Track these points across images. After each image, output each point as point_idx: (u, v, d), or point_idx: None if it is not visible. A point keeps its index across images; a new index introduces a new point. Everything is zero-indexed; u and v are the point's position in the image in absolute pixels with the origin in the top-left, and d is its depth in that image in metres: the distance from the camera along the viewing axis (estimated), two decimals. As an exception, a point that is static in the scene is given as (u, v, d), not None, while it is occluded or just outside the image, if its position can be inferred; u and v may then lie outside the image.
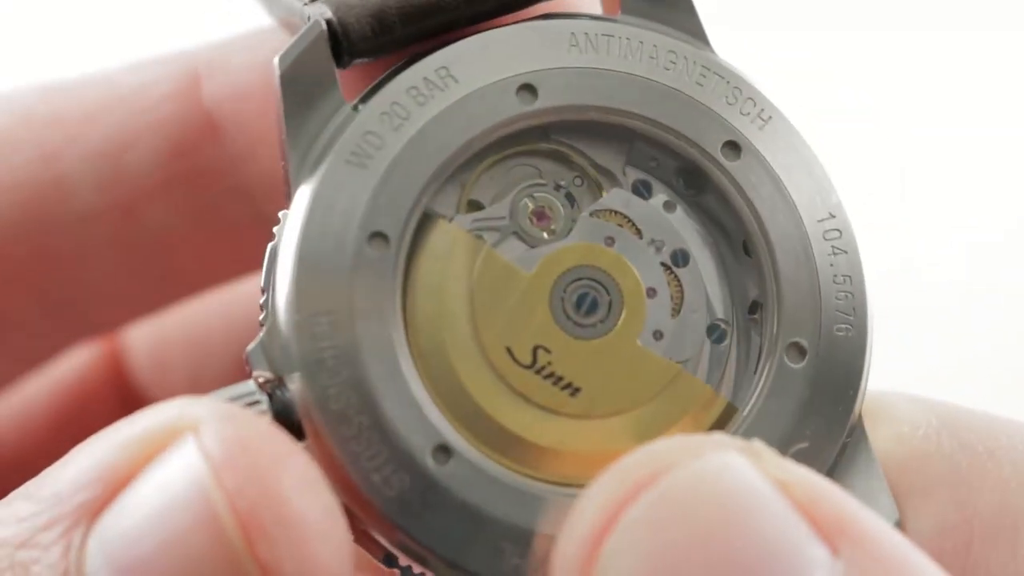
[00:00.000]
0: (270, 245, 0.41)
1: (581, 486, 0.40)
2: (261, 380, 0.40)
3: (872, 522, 0.36)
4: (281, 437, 0.37)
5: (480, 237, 0.42)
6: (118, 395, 0.61)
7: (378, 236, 0.40)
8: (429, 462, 0.39)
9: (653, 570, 0.34)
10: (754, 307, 0.43)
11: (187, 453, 0.36)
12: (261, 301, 0.41)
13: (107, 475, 0.36)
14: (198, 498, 0.35)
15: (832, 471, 0.41)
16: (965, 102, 1.04)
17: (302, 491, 0.36)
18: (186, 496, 0.35)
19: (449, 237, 0.41)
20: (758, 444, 0.36)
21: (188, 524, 0.35)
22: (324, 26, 0.41)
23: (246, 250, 0.51)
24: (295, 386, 0.39)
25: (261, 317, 0.40)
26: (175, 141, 0.53)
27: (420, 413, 0.39)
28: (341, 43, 0.41)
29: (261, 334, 0.40)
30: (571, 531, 0.36)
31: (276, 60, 0.41)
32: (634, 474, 0.36)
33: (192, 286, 0.57)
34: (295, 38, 0.41)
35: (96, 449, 0.37)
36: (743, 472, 0.35)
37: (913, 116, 1.04)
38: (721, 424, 0.41)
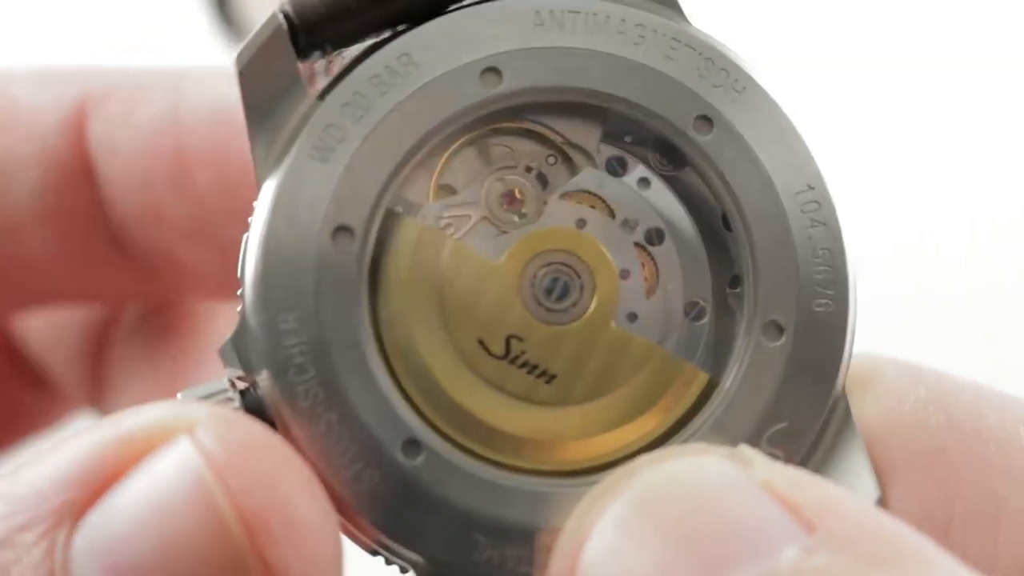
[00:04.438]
0: (244, 236, 0.41)
1: (560, 474, 0.40)
2: (233, 377, 0.40)
3: (852, 502, 0.35)
4: (279, 440, 0.37)
5: (448, 227, 0.41)
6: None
7: (343, 230, 0.40)
8: (399, 456, 0.39)
9: (628, 568, 0.34)
10: (735, 281, 0.42)
11: (183, 453, 0.36)
12: (238, 292, 0.41)
13: (91, 474, 0.36)
14: (198, 498, 0.35)
15: (814, 448, 0.40)
16: (956, 85, 1.02)
17: (304, 492, 0.36)
18: (184, 496, 0.36)
19: (416, 232, 0.41)
20: (745, 449, 0.36)
21: (187, 524, 0.35)
22: (281, 18, 0.40)
23: (112, 282, 0.52)
24: (264, 384, 0.39)
25: (239, 308, 0.40)
26: (53, 177, 0.53)
27: (389, 408, 0.39)
28: (298, 30, 0.40)
29: (232, 331, 0.40)
30: (557, 548, 0.36)
31: (235, 56, 0.40)
32: (610, 487, 0.36)
33: (64, 301, 0.58)
34: (253, 32, 0.41)
35: (78, 447, 0.37)
36: (717, 468, 0.35)
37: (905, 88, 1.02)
38: (703, 400, 0.41)
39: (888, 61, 1.04)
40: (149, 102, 0.53)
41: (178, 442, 0.36)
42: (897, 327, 0.89)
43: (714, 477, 0.35)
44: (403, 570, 0.40)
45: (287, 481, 0.36)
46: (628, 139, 0.42)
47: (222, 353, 0.40)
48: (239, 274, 0.40)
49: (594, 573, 0.35)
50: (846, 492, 0.36)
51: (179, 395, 0.40)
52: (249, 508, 0.35)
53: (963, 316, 0.94)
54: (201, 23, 0.83)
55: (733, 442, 0.39)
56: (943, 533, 0.39)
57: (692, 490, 0.35)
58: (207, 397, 0.40)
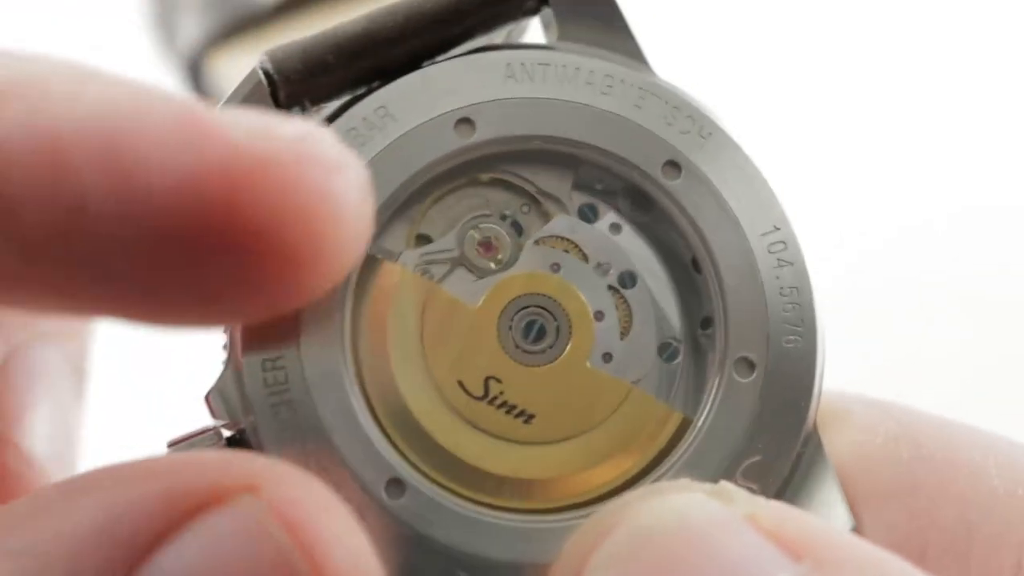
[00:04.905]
0: None
1: (540, 512, 0.41)
2: (218, 424, 0.41)
3: (835, 532, 0.36)
4: (332, 499, 0.36)
5: (426, 273, 0.42)
6: None
7: None
8: (383, 496, 0.40)
9: None
10: (707, 323, 0.43)
11: (247, 517, 0.35)
12: (223, 343, 0.41)
13: (136, 530, 0.35)
14: (276, 561, 0.35)
15: (787, 482, 0.41)
16: (909, 94, 1.04)
17: (368, 551, 0.36)
18: (261, 560, 0.35)
19: (395, 277, 0.42)
20: (727, 485, 0.37)
21: None
22: (261, 75, 0.42)
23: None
24: (251, 428, 0.40)
25: (223, 359, 0.41)
26: None
27: (372, 448, 0.40)
28: (277, 86, 0.42)
29: (218, 376, 0.41)
30: None
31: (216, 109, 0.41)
32: (600, 523, 0.36)
33: None
34: (234, 88, 0.42)
35: (111, 502, 0.35)
36: (704, 505, 0.36)
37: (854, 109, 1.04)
38: (678, 438, 0.42)
39: (880, 66, 1.06)
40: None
41: (241, 499, 0.35)
42: (890, 327, 0.90)
43: (701, 513, 0.36)
44: None
45: (359, 546, 0.36)
46: (599, 187, 0.44)
47: (208, 399, 0.41)
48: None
49: None
50: (827, 523, 0.37)
51: (166, 445, 0.41)
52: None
53: (954, 314, 0.95)
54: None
55: (710, 477, 0.40)
56: (918, 562, 0.40)
57: (681, 527, 0.36)
58: (196, 443, 0.41)
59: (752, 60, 1.02)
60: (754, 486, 0.41)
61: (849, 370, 0.47)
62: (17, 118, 0.35)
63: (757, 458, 0.41)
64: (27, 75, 0.36)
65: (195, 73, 0.82)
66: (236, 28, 0.80)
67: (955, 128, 1.03)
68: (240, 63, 0.83)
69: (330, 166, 0.36)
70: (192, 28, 0.81)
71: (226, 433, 0.41)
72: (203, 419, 0.41)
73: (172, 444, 0.41)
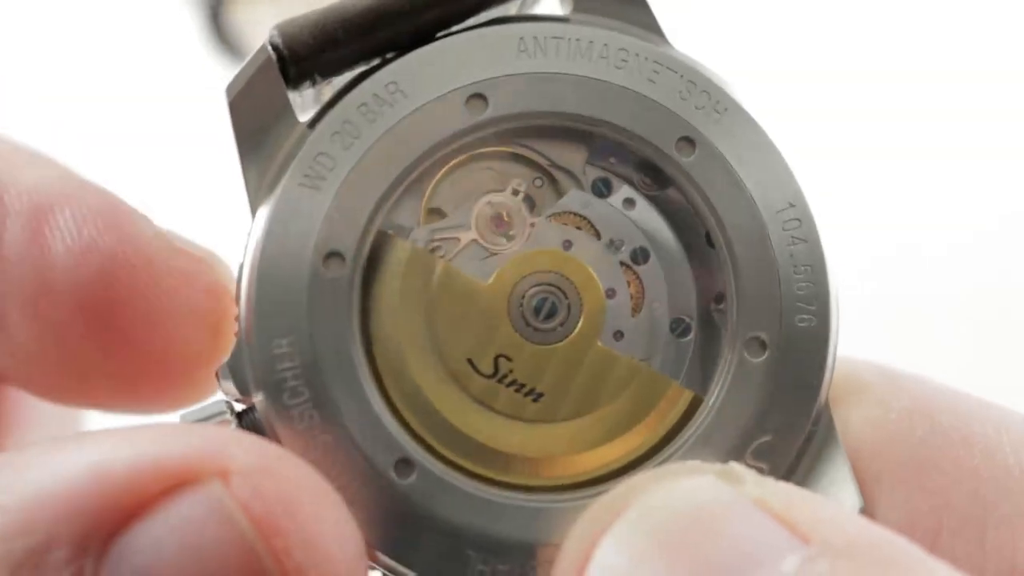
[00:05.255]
0: (239, 262, 0.42)
1: (549, 489, 0.41)
2: (230, 399, 0.41)
3: (844, 516, 0.36)
4: (315, 482, 0.37)
5: (438, 250, 0.42)
6: None
7: (334, 255, 0.40)
8: (392, 475, 0.40)
9: None
10: (720, 297, 0.43)
11: (218, 501, 0.36)
12: (236, 314, 0.41)
13: (113, 502, 0.36)
14: (239, 553, 0.36)
15: (798, 460, 0.41)
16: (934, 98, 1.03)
17: (342, 541, 0.37)
18: (224, 547, 0.36)
19: (406, 254, 0.42)
20: (736, 467, 0.37)
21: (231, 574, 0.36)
22: (270, 50, 0.41)
23: None
24: (260, 406, 0.40)
25: (235, 331, 0.41)
26: None
27: (382, 428, 0.40)
28: (287, 61, 0.41)
29: (230, 353, 0.41)
30: (558, 566, 0.37)
31: (225, 87, 0.41)
32: (610, 505, 0.37)
33: None
34: (243, 64, 0.41)
35: (95, 470, 0.36)
36: (715, 488, 0.36)
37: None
38: (688, 416, 0.42)
39: (880, 70, 1.05)
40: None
41: (211, 485, 0.36)
42: (890, 327, 0.90)
43: (711, 496, 0.36)
44: None
45: (328, 539, 0.36)
46: (613, 160, 0.43)
47: (219, 375, 0.41)
48: (235, 298, 0.41)
49: None
50: (836, 506, 0.37)
51: (179, 417, 0.41)
52: (291, 567, 0.36)
53: (955, 317, 0.95)
54: (196, 45, 0.84)
55: (719, 456, 0.40)
56: (932, 541, 0.40)
57: (692, 509, 0.36)
58: (207, 417, 0.41)
59: (771, 60, 1.01)
60: (764, 466, 0.41)
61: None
62: None
63: (767, 438, 0.41)
64: None
65: (215, 19, 0.81)
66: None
67: (970, 138, 1.02)
68: (259, 10, 0.82)
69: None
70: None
71: (237, 408, 0.41)
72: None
73: (184, 415, 0.41)
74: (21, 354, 0.45)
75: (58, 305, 0.44)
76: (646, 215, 0.43)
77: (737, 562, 0.35)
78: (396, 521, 0.40)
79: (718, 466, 0.37)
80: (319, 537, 0.36)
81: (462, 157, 0.43)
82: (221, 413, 0.41)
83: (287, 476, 0.37)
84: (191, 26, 0.85)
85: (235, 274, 0.42)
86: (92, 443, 0.38)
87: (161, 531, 0.36)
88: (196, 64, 0.85)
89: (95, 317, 0.44)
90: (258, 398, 0.40)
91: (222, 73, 0.81)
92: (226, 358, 0.41)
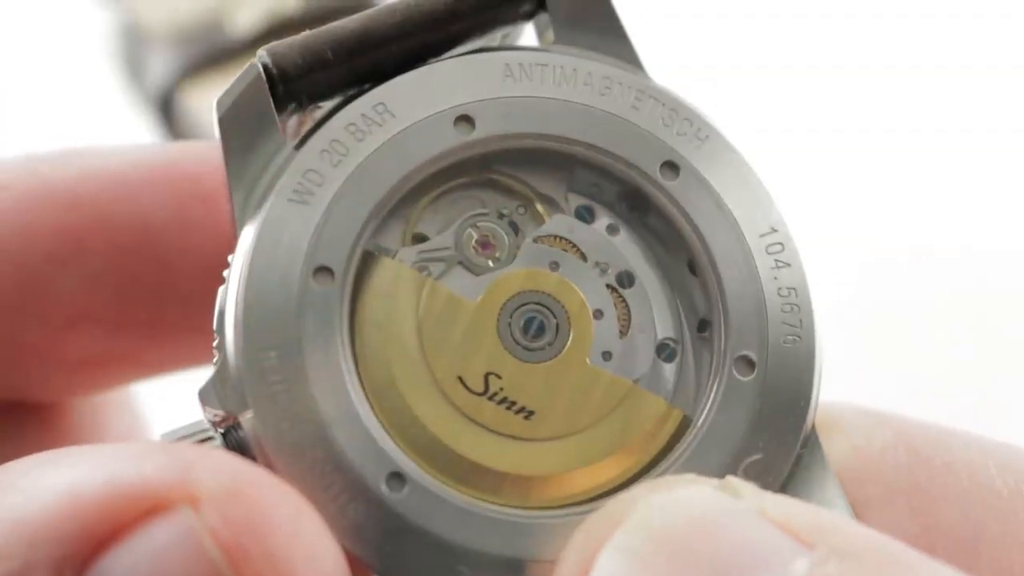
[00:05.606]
0: (220, 290, 0.41)
1: (540, 508, 0.40)
2: (214, 419, 0.40)
3: (847, 523, 0.36)
4: (290, 503, 0.37)
5: (424, 270, 0.42)
6: None
7: (323, 271, 0.40)
8: (384, 490, 0.39)
9: None
10: (703, 325, 0.43)
11: (188, 530, 0.35)
12: (214, 344, 0.41)
13: (88, 528, 0.35)
14: None
15: (788, 481, 0.41)
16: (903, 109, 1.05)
17: (318, 565, 0.36)
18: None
19: (393, 273, 0.41)
20: (733, 480, 0.37)
21: None
22: (260, 68, 0.42)
23: None
24: (248, 423, 0.39)
25: (214, 360, 0.41)
26: None
27: (372, 442, 0.39)
28: (276, 81, 0.42)
29: (212, 374, 0.40)
30: None
31: (215, 102, 0.41)
32: (610, 514, 0.36)
33: None
34: (233, 80, 0.42)
35: (71, 494, 0.36)
36: (714, 497, 0.36)
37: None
38: (678, 437, 0.42)
39: (879, 66, 1.07)
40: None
41: (181, 513, 0.36)
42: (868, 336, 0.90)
43: (712, 505, 0.36)
44: None
45: (300, 563, 0.36)
46: (595, 189, 0.43)
47: (202, 395, 0.40)
48: (215, 321, 0.41)
49: None
50: (835, 514, 0.37)
51: (160, 436, 0.40)
52: None
53: (935, 325, 0.95)
54: (147, 138, 0.84)
55: (711, 475, 0.40)
56: None
57: (694, 518, 0.35)
58: (188, 436, 0.40)
59: (754, 72, 1.03)
60: (754, 484, 0.41)
61: (849, 385, 0.46)
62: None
63: (757, 456, 0.41)
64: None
65: (165, 108, 0.82)
66: (207, 62, 0.80)
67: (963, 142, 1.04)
68: (210, 98, 0.83)
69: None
70: (161, 64, 0.81)
71: (221, 428, 0.40)
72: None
73: (166, 435, 0.40)
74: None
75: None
76: (628, 243, 0.43)
77: (743, 567, 0.34)
78: (387, 536, 0.39)
79: (715, 480, 0.37)
80: (291, 562, 0.36)
81: (447, 186, 0.43)
82: (204, 431, 0.40)
83: (257, 499, 0.36)
84: (140, 116, 0.85)
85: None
86: (67, 465, 0.37)
87: (133, 559, 0.35)
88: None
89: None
90: (245, 415, 0.39)
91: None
92: (207, 381, 0.40)
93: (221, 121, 0.41)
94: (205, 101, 0.82)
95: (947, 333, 0.92)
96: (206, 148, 0.47)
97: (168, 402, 0.50)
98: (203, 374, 0.41)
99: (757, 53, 1.05)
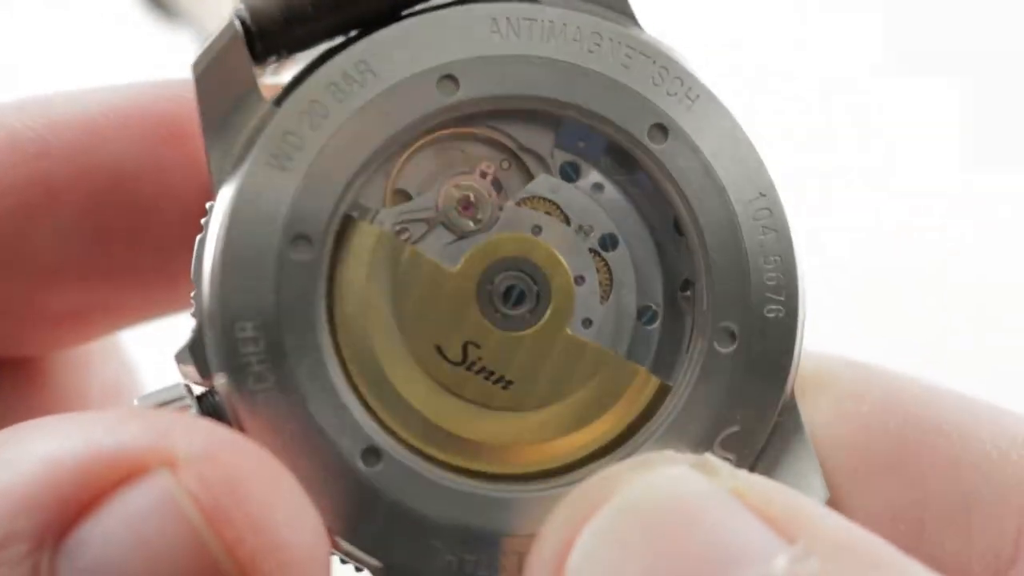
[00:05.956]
0: (198, 238, 0.41)
1: (520, 478, 0.40)
2: (189, 382, 0.40)
3: (822, 514, 0.36)
4: (267, 465, 0.37)
5: (404, 233, 0.41)
6: None
7: (301, 238, 0.40)
8: (359, 464, 0.39)
9: None
10: (686, 284, 0.42)
11: (165, 492, 0.35)
12: (192, 294, 0.40)
13: (68, 495, 0.36)
14: (186, 541, 0.35)
15: (763, 451, 0.41)
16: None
17: (297, 526, 0.36)
18: (171, 537, 0.35)
19: (372, 238, 0.41)
20: (711, 458, 0.37)
21: (177, 565, 0.35)
22: (238, 25, 0.40)
23: None
24: (223, 390, 0.39)
25: (192, 311, 0.40)
26: None
27: (348, 416, 0.39)
28: (255, 36, 0.40)
29: (189, 336, 0.40)
30: (536, 556, 0.36)
31: (191, 63, 0.40)
32: (590, 495, 0.36)
33: None
34: (211, 38, 0.40)
35: (50, 462, 0.36)
36: (693, 479, 0.36)
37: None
38: (655, 405, 0.42)
39: (886, 69, 1.05)
40: None
41: (159, 476, 0.36)
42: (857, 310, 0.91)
43: (690, 490, 0.36)
44: (358, 569, 0.41)
45: (279, 519, 0.36)
46: (581, 144, 0.43)
47: (178, 358, 0.40)
48: (192, 277, 0.40)
49: None
50: (813, 503, 0.37)
51: (135, 401, 0.40)
52: (242, 556, 0.35)
53: (925, 300, 0.96)
54: (131, 11, 0.82)
55: (689, 446, 0.40)
56: (918, 531, 0.40)
57: (674, 503, 0.36)
58: (165, 403, 0.40)
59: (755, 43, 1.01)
60: (731, 456, 0.41)
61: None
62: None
63: (735, 428, 0.41)
64: None
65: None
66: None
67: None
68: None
69: None
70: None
71: (197, 391, 0.40)
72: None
73: (141, 399, 0.40)
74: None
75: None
76: (614, 200, 0.43)
77: (722, 558, 0.34)
78: (362, 510, 0.39)
79: (692, 457, 0.37)
80: (271, 524, 0.36)
81: (429, 138, 0.42)
82: (181, 398, 0.40)
83: (235, 462, 0.36)
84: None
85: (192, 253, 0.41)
86: (46, 432, 0.37)
87: (111, 524, 0.35)
88: (133, 32, 0.83)
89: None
90: (220, 381, 0.39)
91: (160, 39, 0.79)
92: (185, 341, 0.40)
93: (198, 81, 0.40)
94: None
95: (939, 300, 0.92)
96: (178, 87, 0.46)
97: (155, 348, 0.50)
98: (186, 321, 0.41)
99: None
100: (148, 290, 0.48)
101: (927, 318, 0.94)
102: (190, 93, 0.40)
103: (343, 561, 0.41)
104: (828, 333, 0.47)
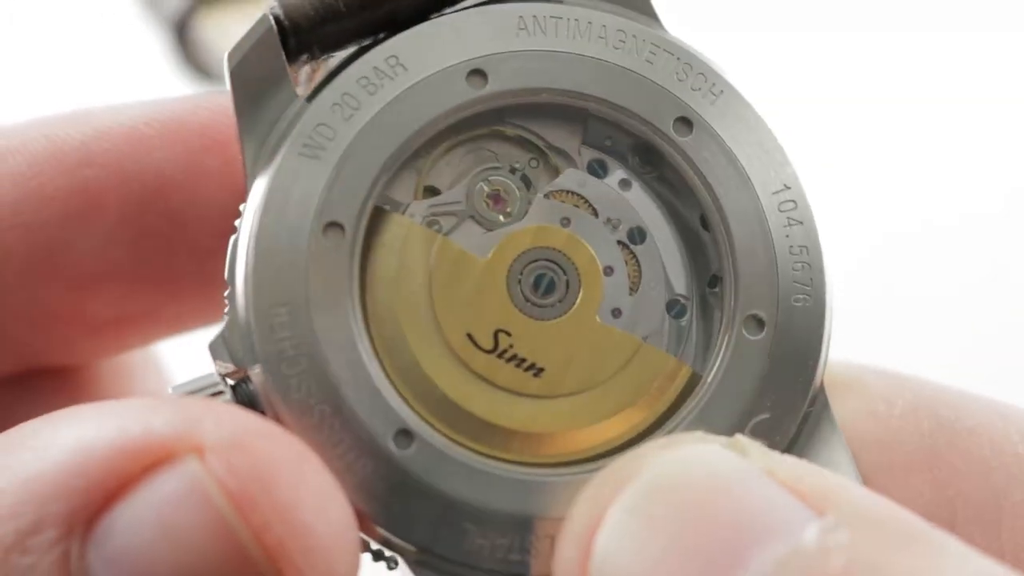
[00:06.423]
0: (232, 239, 0.41)
1: (550, 465, 0.41)
2: (224, 372, 0.40)
3: (854, 488, 0.36)
4: (295, 452, 0.37)
5: (435, 225, 0.42)
6: None
7: (333, 226, 0.40)
8: (391, 447, 0.39)
9: (645, 553, 0.35)
10: (714, 281, 0.43)
11: (193, 478, 0.36)
12: (225, 294, 0.41)
13: (97, 482, 0.36)
14: (214, 529, 0.35)
15: (795, 440, 0.41)
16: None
17: (324, 512, 0.36)
18: (199, 524, 0.35)
19: (403, 229, 0.41)
20: (742, 438, 0.37)
21: (204, 551, 0.35)
22: (272, 21, 0.41)
23: None
24: (257, 377, 0.40)
25: (225, 310, 0.41)
26: None
27: (381, 399, 0.40)
28: (288, 34, 0.41)
29: (222, 326, 0.40)
30: (566, 534, 0.36)
31: (226, 56, 0.41)
32: (619, 473, 0.36)
33: None
34: (245, 33, 0.41)
35: (79, 448, 0.36)
36: (725, 457, 0.36)
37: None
38: (686, 394, 0.42)
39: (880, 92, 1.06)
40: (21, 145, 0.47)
41: (187, 463, 0.36)
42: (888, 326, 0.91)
43: (721, 465, 0.36)
44: (391, 567, 0.41)
45: (307, 511, 0.36)
46: (608, 142, 0.43)
47: (212, 348, 0.40)
48: (226, 272, 0.41)
49: (611, 559, 0.35)
50: (843, 478, 0.37)
51: (170, 390, 0.40)
52: (270, 542, 0.35)
53: (949, 310, 0.96)
54: (161, 64, 0.83)
55: (719, 433, 0.40)
56: (948, 530, 0.40)
57: (703, 478, 0.36)
58: (199, 390, 0.40)
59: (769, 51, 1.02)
60: (762, 443, 0.41)
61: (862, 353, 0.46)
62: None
63: (765, 416, 0.41)
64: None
65: (181, 34, 0.81)
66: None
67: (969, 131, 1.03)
68: (226, 24, 0.82)
69: None
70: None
71: (231, 380, 0.40)
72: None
73: (175, 388, 0.41)
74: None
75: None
76: (641, 198, 0.43)
77: (751, 528, 0.34)
78: (394, 493, 0.39)
79: (723, 438, 0.37)
80: (299, 510, 0.36)
81: (459, 138, 0.43)
82: (215, 385, 0.40)
83: (262, 449, 0.36)
84: (156, 46, 0.85)
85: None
86: (77, 420, 0.37)
87: (140, 511, 0.36)
88: (163, 87, 0.84)
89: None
90: (255, 369, 0.40)
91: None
92: (219, 330, 0.41)
93: (232, 75, 0.41)
94: (221, 27, 0.82)
95: (964, 306, 0.92)
96: (217, 99, 0.47)
97: (192, 363, 0.51)
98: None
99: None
100: (185, 299, 0.49)
101: (957, 329, 0.94)
102: (227, 105, 0.41)
103: (375, 558, 0.41)
104: (857, 343, 0.48)
